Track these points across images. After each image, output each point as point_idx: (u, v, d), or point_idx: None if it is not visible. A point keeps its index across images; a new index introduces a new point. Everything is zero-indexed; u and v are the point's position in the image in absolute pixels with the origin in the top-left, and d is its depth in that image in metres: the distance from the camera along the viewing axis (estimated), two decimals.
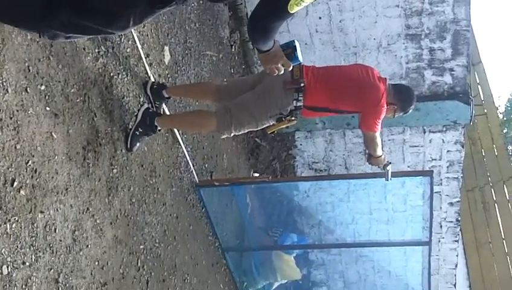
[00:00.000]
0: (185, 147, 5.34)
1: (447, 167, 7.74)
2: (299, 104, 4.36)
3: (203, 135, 5.76)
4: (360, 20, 6.69)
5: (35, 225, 3.08)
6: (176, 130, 5.13)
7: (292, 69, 3.70)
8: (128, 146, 4.21)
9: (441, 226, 8.27)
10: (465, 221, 8.94)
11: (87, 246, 3.61)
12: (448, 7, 6.48)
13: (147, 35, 4.66)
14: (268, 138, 7.62)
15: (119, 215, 4.04)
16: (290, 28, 6.68)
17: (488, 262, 9.50)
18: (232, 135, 4.54)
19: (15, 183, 2.93)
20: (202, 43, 5.89)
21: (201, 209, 5.80)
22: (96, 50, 3.86)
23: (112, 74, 4.06)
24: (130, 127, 4.26)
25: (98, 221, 3.74)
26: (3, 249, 2.83)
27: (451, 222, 8.29)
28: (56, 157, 3.31)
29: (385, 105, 4.39)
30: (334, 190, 7.31)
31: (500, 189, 9.57)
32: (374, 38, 6.80)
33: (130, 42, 4.34)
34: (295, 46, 3.14)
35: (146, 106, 4.46)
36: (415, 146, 7.66)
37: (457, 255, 8.68)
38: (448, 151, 7.60)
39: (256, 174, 7.24)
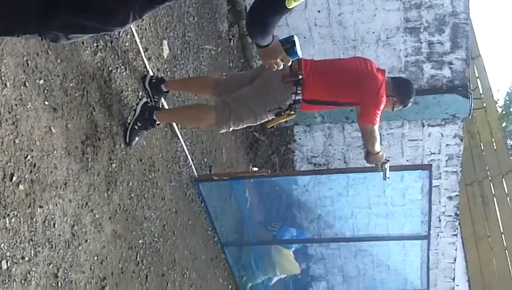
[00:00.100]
0: (184, 142, 5.33)
1: (446, 161, 7.74)
2: (297, 97, 4.34)
3: (201, 129, 5.75)
4: (359, 13, 6.68)
5: (34, 219, 3.06)
6: (174, 125, 5.12)
7: (291, 63, 3.69)
8: (127, 140, 4.19)
9: (439, 220, 8.27)
10: (464, 215, 8.95)
11: (86, 240, 3.59)
12: (447, 0, 6.46)
13: (146, 29, 4.64)
14: (267, 132, 7.61)
15: (118, 210, 4.03)
16: (289, 21, 6.66)
17: (486, 256, 9.51)
18: (231, 129, 4.53)
19: (14, 178, 2.92)
20: (201, 37, 5.87)
21: (200, 203, 5.79)
22: (95, 44, 3.85)
23: (110, 68, 4.04)
24: (129, 121, 4.24)
25: (97, 216, 3.73)
26: (3, 244, 2.82)
27: (450, 216, 8.29)
28: (55, 152, 3.29)
29: (384, 96, 4.37)
30: (333, 184, 7.32)
31: (499, 183, 9.57)
32: (373, 32, 6.79)
33: (128, 36, 4.33)
34: (294, 41, 3.13)
35: (144, 100, 4.44)
36: (414, 140, 7.66)
37: (456, 249, 8.69)
38: (447, 145, 7.60)
39: (255, 169, 7.24)
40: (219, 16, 6.44)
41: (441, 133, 7.51)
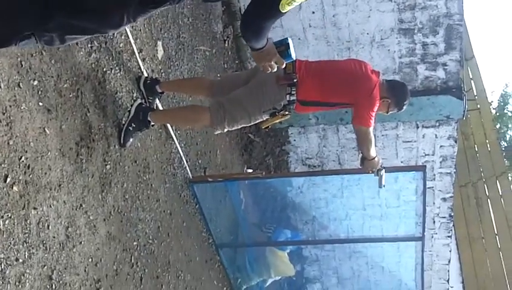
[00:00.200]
0: (179, 143, 5.32)
1: (440, 162, 7.74)
2: (292, 98, 4.34)
3: (196, 130, 5.74)
4: (353, 14, 6.68)
5: (28, 221, 3.05)
6: (169, 126, 5.11)
7: (285, 65, 3.68)
8: (122, 142, 4.18)
9: (434, 222, 8.27)
10: (458, 216, 8.95)
11: (81, 242, 3.58)
12: (441, 1, 6.47)
13: (140, 30, 4.63)
14: (261, 133, 7.60)
15: (112, 211, 4.02)
16: (283, 22, 6.65)
17: (481, 257, 9.52)
18: (226, 130, 4.52)
19: (8, 180, 2.90)
20: (195, 38, 5.86)
21: (194, 205, 5.78)
22: (89, 45, 3.83)
23: (104, 69, 4.03)
24: (123, 122, 4.23)
25: (91, 217, 3.71)
26: None
27: (444, 217, 8.30)
28: (49, 153, 3.28)
29: (378, 97, 4.37)
30: (327, 185, 7.32)
31: (493, 184, 9.59)
32: (367, 33, 6.79)
33: (122, 37, 4.31)
34: (288, 43, 3.14)
35: (139, 101, 4.43)
36: (408, 141, 7.66)
37: (450, 251, 8.69)
38: (441, 146, 7.60)
39: (250, 170, 7.24)
40: (214, 17, 6.43)
41: (435, 135, 7.51)
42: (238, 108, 4.39)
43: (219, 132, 4.56)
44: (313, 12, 6.69)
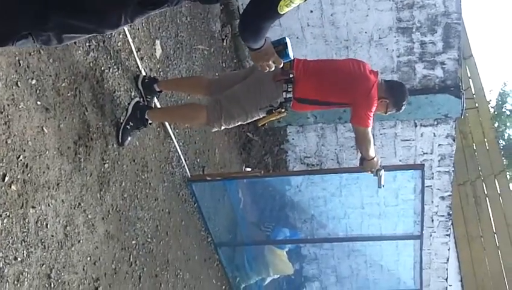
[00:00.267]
0: (177, 142, 5.32)
1: (439, 161, 7.75)
2: (288, 95, 4.33)
3: (194, 128, 5.74)
4: (351, 13, 6.68)
5: (26, 220, 3.05)
6: (167, 125, 5.11)
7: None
8: (120, 140, 4.18)
9: (432, 220, 8.28)
10: (456, 215, 8.96)
11: (79, 241, 3.58)
12: (439, 0, 6.47)
13: (138, 29, 4.63)
14: (260, 132, 7.61)
15: (111, 210, 4.02)
16: (282, 21, 6.65)
17: (479, 256, 9.54)
18: (223, 128, 4.52)
19: (6, 178, 2.90)
20: (193, 37, 5.86)
21: (193, 204, 5.78)
22: (87, 44, 3.83)
23: (103, 68, 4.03)
24: (121, 121, 4.23)
25: (89, 216, 3.72)
26: None
27: (443, 216, 8.30)
28: (47, 152, 3.28)
29: (376, 97, 4.35)
30: (326, 184, 7.32)
31: (492, 183, 9.60)
32: (366, 32, 6.79)
33: (121, 36, 4.31)
34: (286, 43, 3.14)
35: (136, 99, 4.43)
36: (407, 140, 7.67)
37: (448, 249, 8.70)
38: (439, 145, 7.61)
39: (249, 169, 7.24)
40: (212, 16, 6.43)
41: (434, 133, 7.52)
42: (235, 105, 4.40)
43: (216, 129, 4.56)
44: (311, 11, 6.70)
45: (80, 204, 3.60)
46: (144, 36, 4.73)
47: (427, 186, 7.27)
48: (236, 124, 4.59)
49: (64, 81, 3.50)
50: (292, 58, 3.27)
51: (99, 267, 3.81)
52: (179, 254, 5.31)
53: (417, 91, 7.05)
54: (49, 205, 3.26)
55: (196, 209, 5.84)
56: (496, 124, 17.99)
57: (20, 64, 3.08)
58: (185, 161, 5.50)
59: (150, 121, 4.41)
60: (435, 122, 7.41)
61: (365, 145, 4.50)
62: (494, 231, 9.59)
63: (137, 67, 4.55)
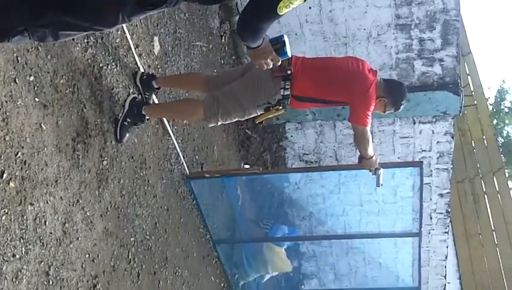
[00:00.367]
0: (176, 139, 5.31)
1: (437, 158, 7.75)
2: (286, 93, 4.32)
3: (191, 124, 5.72)
4: (350, 10, 6.67)
5: (25, 217, 3.04)
6: (166, 122, 5.10)
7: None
8: (118, 137, 4.16)
9: (431, 218, 8.28)
10: (455, 212, 8.98)
11: (78, 238, 3.57)
12: None
13: (136, 25, 4.61)
14: (258, 129, 7.60)
15: (109, 207, 4.01)
16: (280, 18, 6.63)
17: (477, 253, 9.56)
18: (219, 123, 4.51)
19: (4, 175, 2.89)
20: (192, 34, 5.85)
21: (192, 201, 5.77)
22: (85, 40, 3.82)
23: (101, 65, 4.01)
24: (119, 118, 4.22)
25: (88, 213, 3.71)
26: None
27: (441, 213, 8.31)
28: (45, 149, 3.27)
29: (374, 96, 4.34)
30: (324, 181, 7.31)
31: (490, 180, 9.62)
32: (364, 29, 6.78)
33: (119, 32, 4.30)
34: (284, 41, 3.14)
35: (133, 95, 4.42)
36: (405, 137, 7.66)
37: (447, 247, 8.71)
38: (438, 142, 7.61)
39: (247, 166, 7.24)
40: (210, 13, 6.42)
41: (432, 130, 7.52)
42: (232, 101, 4.39)
43: (213, 124, 4.55)
44: (310, 8, 6.68)
45: (78, 201, 3.59)
46: (142, 33, 4.71)
47: (425, 184, 7.27)
48: (234, 120, 4.58)
49: (62, 77, 3.49)
50: (290, 56, 3.27)
51: (97, 264, 3.81)
52: (177, 251, 5.30)
53: (416, 88, 7.04)
54: (47, 202, 3.25)
55: (195, 206, 5.83)
56: (495, 122, 18.04)
57: (18, 61, 3.06)
58: (184, 158, 5.49)
59: (147, 117, 4.40)
60: (434, 120, 7.41)
61: (363, 144, 4.50)
62: (493, 228, 9.62)
63: (136, 64, 4.54)
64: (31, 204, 3.10)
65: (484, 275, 9.54)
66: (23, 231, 3.03)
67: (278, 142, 7.97)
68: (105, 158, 3.98)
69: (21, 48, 3.09)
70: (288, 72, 4.28)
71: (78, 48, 3.71)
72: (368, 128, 4.39)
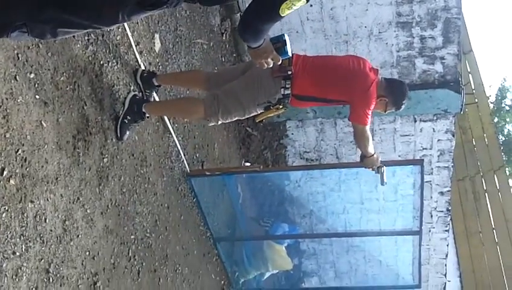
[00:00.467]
0: (176, 137, 5.31)
1: (438, 156, 7.74)
2: (286, 92, 4.31)
3: (192, 122, 5.72)
4: (351, 7, 6.66)
5: (25, 214, 3.04)
6: (166, 119, 5.09)
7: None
8: (119, 135, 4.16)
9: (431, 216, 8.28)
10: (455, 210, 8.97)
11: (78, 236, 3.57)
12: None
13: (137, 23, 4.61)
14: (259, 127, 7.59)
15: (109, 205, 4.01)
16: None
17: (478, 252, 9.56)
18: (220, 122, 4.50)
19: (5, 173, 2.89)
20: (193, 31, 5.84)
21: (192, 199, 5.77)
22: (86, 38, 3.81)
23: (101, 62, 4.01)
24: (119, 115, 4.21)
25: (88, 211, 3.70)
26: None
27: (442, 211, 8.30)
28: (46, 146, 3.26)
29: (375, 95, 4.33)
30: (325, 179, 7.31)
31: (491, 178, 9.62)
32: (365, 26, 6.77)
33: (120, 30, 4.30)
34: (285, 40, 3.14)
35: (133, 93, 4.42)
36: (406, 135, 7.66)
37: (447, 245, 8.70)
38: (438, 140, 7.60)
39: (248, 164, 7.23)
40: (211, 10, 6.41)
41: (433, 129, 7.51)
42: (233, 100, 4.38)
43: (213, 123, 4.54)
44: (311, 5, 6.66)
45: (78, 199, 3.59)
46: (143, 30, 4.71)
47: (426, 182, 7.26)
48: (234, 119, 4.58)
49: (63, 75, 3.49)
50: (291, 56, 3.27)
51: (98, 262, 3.80)
52: (177, 248, 5.30)
53: (417, 86, 7.03)
54: (47, 199, 3.25)
55: (195, 204, 5.83)
56: (496, 120, 18.02)
57: (18, 58, 3.06)
58: (184, 155, 5.49)
59: (147, 115, 4.40)
60: (435, 118, 7.40)
61: (364, 143, 4.50)
62: (493, 226, 9.61)
63: (137, 61, 4.54)
64: (31, 201, 3.09)
65: (484, 273, 9.54)
66: (24, 228, 3.03)
67: (278, 140, 7.97)
68: (106, 156, 3.98)
69: (22, 45, 3.09)
70: (289, 72, 4.27)
71: (78, 45, 3.71)
72: (368, 127, 4.38)
